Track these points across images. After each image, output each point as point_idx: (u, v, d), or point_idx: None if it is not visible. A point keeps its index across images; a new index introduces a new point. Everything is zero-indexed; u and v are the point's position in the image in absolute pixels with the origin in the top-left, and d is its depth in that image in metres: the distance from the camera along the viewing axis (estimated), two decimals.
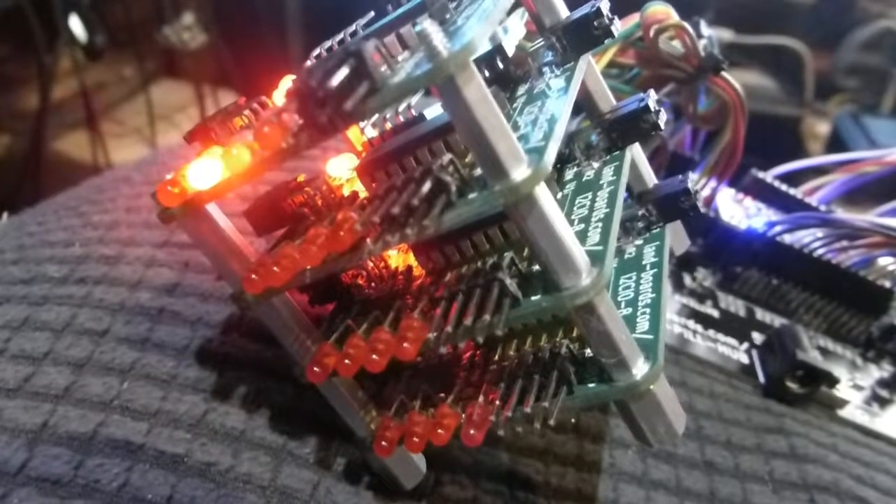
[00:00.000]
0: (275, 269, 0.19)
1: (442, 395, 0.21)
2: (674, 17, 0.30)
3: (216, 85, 1.17)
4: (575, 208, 0.21)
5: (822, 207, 0.43)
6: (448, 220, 0.17)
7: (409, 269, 0.23)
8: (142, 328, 0.27)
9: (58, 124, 1.16)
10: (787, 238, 0.38)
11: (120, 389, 0.24)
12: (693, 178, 0.24)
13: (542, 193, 0.17)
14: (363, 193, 0.22)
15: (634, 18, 0.30)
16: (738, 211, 0.41)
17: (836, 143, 0.97)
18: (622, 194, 0.21)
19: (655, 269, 0.23)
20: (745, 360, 0.34)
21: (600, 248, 0.19)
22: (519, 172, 0.17)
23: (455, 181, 0.18)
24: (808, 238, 0.38)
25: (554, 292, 0.18)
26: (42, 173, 1.07)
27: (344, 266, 0.20)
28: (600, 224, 0.20)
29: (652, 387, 0.19)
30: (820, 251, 0.38)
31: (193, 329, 0.27)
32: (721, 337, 0.35)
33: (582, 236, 0.20)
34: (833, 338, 0.39)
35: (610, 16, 0.22)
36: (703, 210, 0.39)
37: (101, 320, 0.27)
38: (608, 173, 0.23)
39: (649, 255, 0.24)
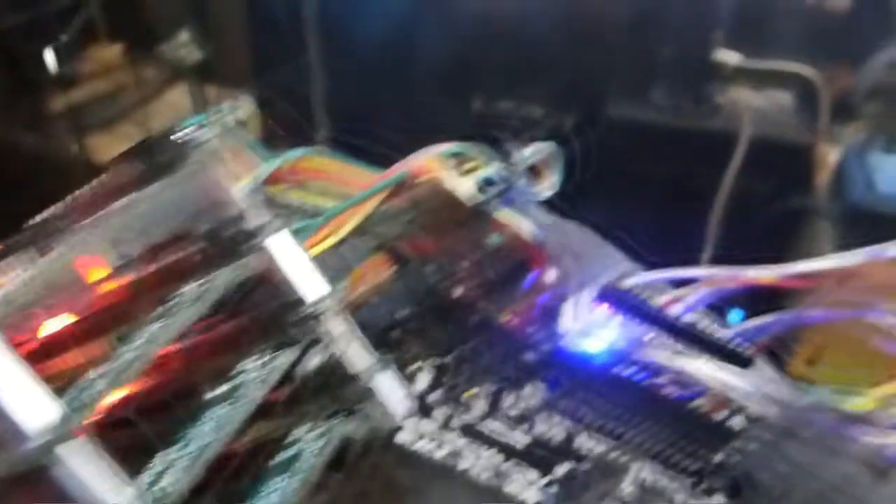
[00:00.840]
0: None
1: None
2: (440, 169, 0.30)
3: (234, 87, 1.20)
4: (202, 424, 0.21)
5: (686, 318, 0.41)
6: None
7: None
8: None
9: (74, 127, 1.22)
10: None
11: None
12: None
13: (66, 452, 0.18)
14: None
15: (401, 169, 0.30)
16: (583, 323, 0.40)
17: (837, 180, 0.91)
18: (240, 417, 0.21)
19: (303, 475, 0.23)
20: (535, 498, 0.34)
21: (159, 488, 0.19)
22: (38, 436, 0.17)
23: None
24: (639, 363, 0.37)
25: None
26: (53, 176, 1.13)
27: None
28: (187, 458, 0.20)
29: None
30: (650, 379, 0.37)
31: None
32: (517, 472, 0.35)
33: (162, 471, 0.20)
34: (664, 465, 0.37)
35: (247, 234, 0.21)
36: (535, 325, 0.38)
37: None
38: (255, 378, 0.23)
39: (309, 455, 0.23)
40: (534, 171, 0.36)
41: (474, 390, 0.36)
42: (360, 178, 0.30)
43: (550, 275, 0.35)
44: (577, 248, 0.47)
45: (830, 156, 1.04)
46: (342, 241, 0.30)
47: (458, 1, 1.11)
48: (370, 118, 1.17)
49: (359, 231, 0.30)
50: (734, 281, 0.39)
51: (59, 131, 1.15)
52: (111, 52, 1.23)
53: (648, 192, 1.05)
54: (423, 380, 0.36)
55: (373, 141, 0.33)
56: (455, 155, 0.32)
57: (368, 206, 0.30)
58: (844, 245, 0.93)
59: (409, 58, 1.08)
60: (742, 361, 0.39)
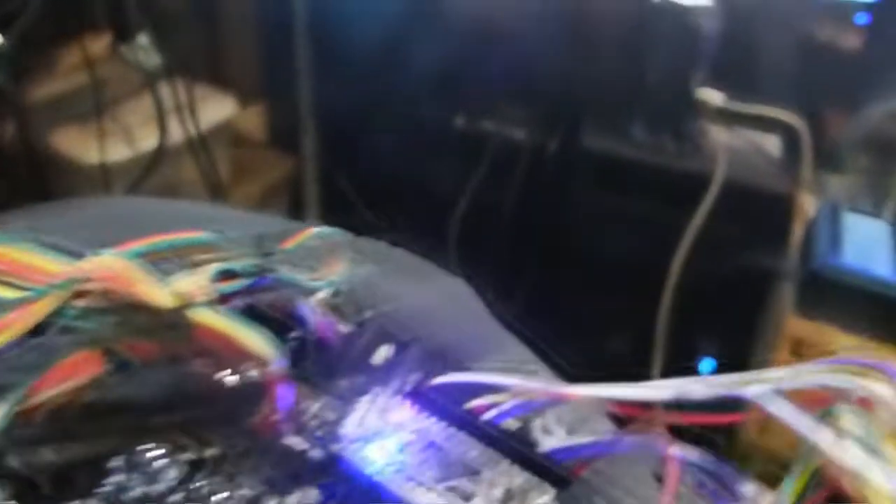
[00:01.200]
0: None
1: None
2: (130, 270, 0.26)
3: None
4: None
5: (501, 424, 0.37)
6: None
7: None
8: None
9: (52, 118, 1.22)
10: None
11: None
12: None
13: None
14: None
15: (88, 267, 0.26)
16: (376, 425, 0.36)
17: (807, 239, 0.84)
18: None
19: None
20: None
21: None
22: None
23: None
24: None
25: None
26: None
27: None
28: None
29: None
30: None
31: None
32: None
33: None
34: None
35: None
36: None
37: None
38: None
39: None
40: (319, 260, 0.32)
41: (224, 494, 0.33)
42: (47, 271, 0.26)
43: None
44: (433, 322, 0.43)
45: (809, 208, 0.97)
46: (33, 335, 0.26)
47: (445, 19, 1.08)
48: (356, 127, 1.15)
49: (55, 328, 0.27)
50: (545, 395, 0.35)
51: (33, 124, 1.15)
52: (98, 44, 1.22)
53: (611, 228, 1.00)
54: (170, 476, 0.32)
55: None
56: (192, 244, 0.28)
57: (48, 304, 0.26)
58: (802, 314, 0.85)
59: (396, 71, 1.06)
60: (558, 481, 0.35)
